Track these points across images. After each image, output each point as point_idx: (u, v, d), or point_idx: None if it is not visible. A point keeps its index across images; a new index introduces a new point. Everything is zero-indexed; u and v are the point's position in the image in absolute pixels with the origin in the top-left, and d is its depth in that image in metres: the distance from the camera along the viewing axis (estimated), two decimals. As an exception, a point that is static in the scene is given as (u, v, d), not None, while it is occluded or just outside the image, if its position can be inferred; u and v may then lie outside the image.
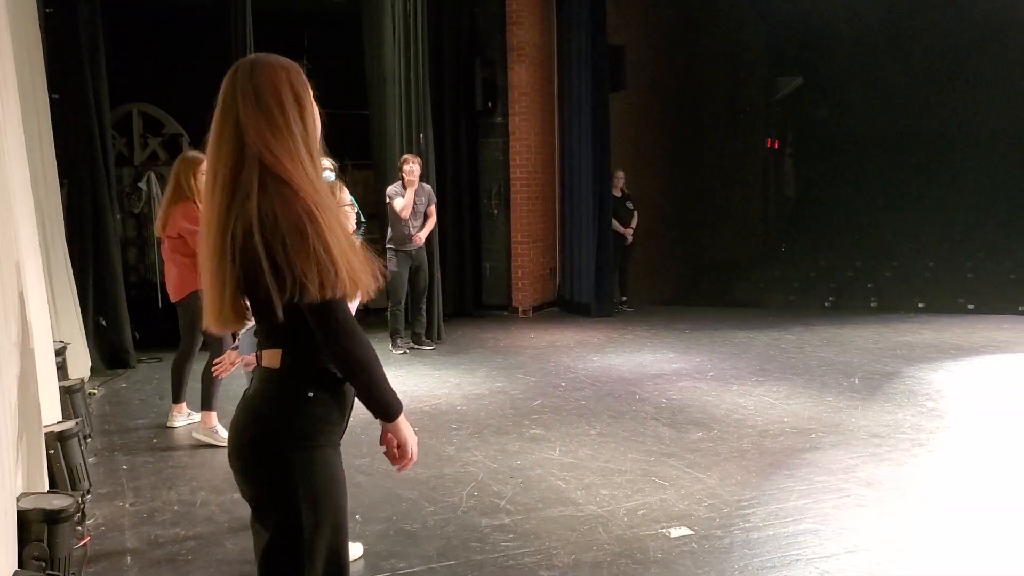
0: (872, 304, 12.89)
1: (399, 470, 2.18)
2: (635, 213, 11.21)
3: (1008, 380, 6.90)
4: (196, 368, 5.75)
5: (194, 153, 5.65)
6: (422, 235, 8.46)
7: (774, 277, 16.02)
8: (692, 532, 3.98)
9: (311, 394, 2.03)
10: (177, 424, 5.88)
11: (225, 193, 1.98)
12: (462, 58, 10.68)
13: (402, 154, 8.64)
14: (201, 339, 5.67)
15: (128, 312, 7.97)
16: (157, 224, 5.67)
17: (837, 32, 18.20)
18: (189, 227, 5.37)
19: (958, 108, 17.70)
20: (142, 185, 9.53)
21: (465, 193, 10.77)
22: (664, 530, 4.00)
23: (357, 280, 1.99)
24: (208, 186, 2.03)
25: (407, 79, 9.31)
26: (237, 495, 4.44)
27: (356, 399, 2.11)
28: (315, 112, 2.12)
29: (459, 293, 10.73)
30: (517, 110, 10.85)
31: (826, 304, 13.25)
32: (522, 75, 10.85)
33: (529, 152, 10.98)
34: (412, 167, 8.24)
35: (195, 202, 5.39)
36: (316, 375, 2.05)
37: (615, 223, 10.90)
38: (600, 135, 10.73)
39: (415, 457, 2.15)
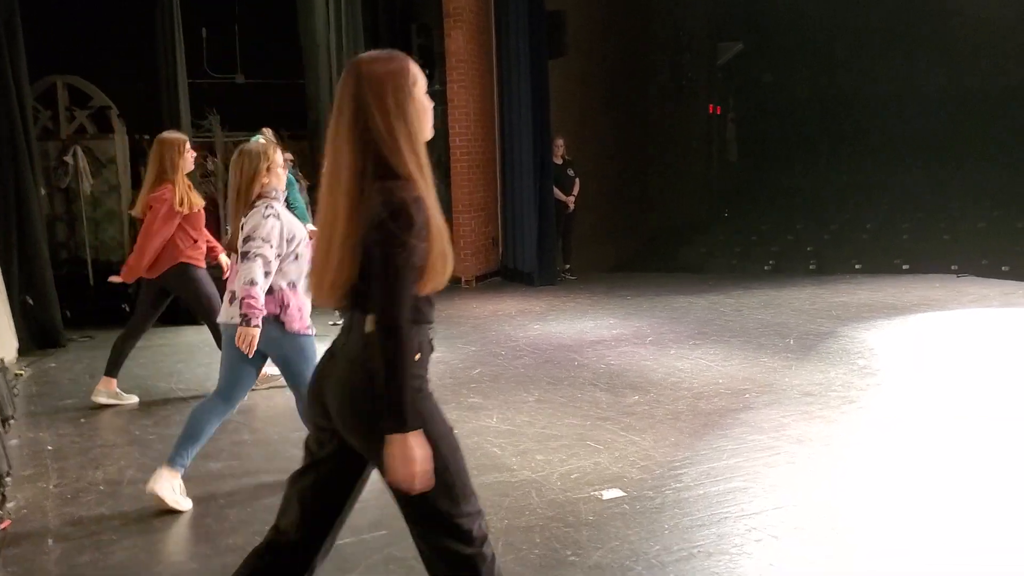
0: (811, 267, 13.08)
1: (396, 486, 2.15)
2: (576, 180, 11.18)
3: (938, 338, 7.05)
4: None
5: (173, 134, 5.65)
6: None
7: (717, 242, 16.18)
8: (624, 494, 4.01)
9: (417, 356, 2.15)
10: (101, 400, 5.78)
11: (352, 182, 2.13)
12: (397, 25, 10.51)
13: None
14: (211, 300, 5.65)
15: (58, 290, 7.75)
16: (138, 207, 5.63)
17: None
18: (154, 202, 5.42)
19: (896, 72, 17.95)
20: (68, 159, 9.23)
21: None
22: (596, 493, 4.02)
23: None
24: (332, 173, 2.17)
25: (341, 47, 9.13)
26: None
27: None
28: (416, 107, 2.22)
29: (401, 264, 10.61)
30: (455, 78, 10.72)
31: (766, 268, 13.43)
32: (459, 42, 10.71)
33: (468, 120, 10.88)
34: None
35: (173, 182, 5.44)
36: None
37: (556, 191, 10.87)
38: (540, 103, 10.66)
39: (408, 487, 2.11)
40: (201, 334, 8.12)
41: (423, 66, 9.32)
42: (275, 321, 3.95)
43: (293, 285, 4.03)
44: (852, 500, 3.85)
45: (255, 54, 10.72)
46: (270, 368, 6.13)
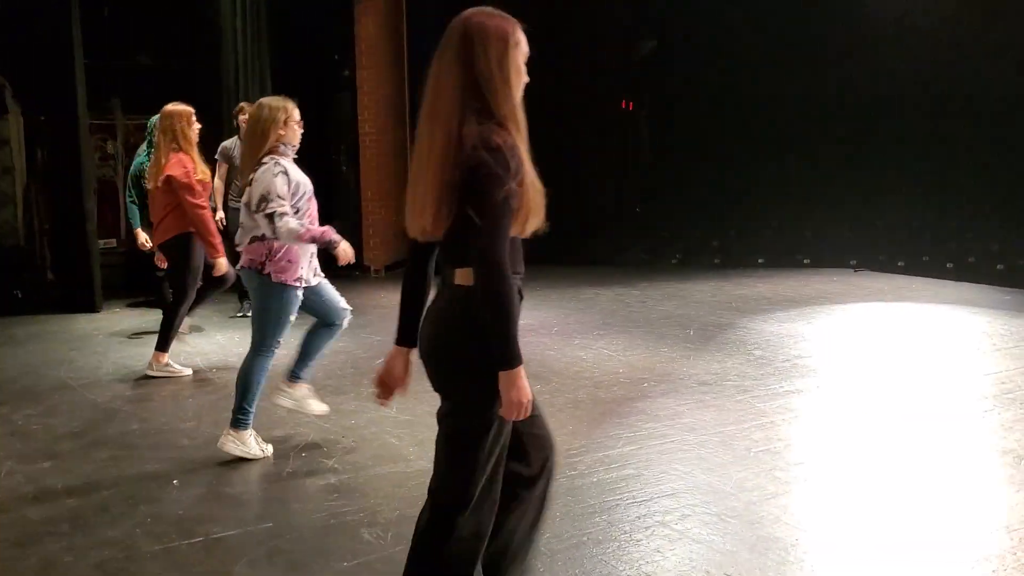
0: (716, 261, 13.37)
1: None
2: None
3: (832, 330, 7.28)
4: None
5: (179, 105, 5.74)
6: None
7: (627, 236, 16.37)
8: (519, 482, 4.01)
9: None
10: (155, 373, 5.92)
11: (452, 115, 2.19)
12: (307, 9, 10.31)
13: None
14: (195, 279, 5.89)
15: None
16: (151, 180, 5.77)
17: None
18: (180, 179, 5.55)
19: (806, 74, 18.43)
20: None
21: (313, 148, 10.43)
22: (492, 482, 4.01)
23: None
24: (432, 103, 2.24)
25: (247, 31, 8.92)
26: (47, 463, 4.23)
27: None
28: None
29: (308, 253, 10.45)
30: (365, 63, 10.56)
31: (673, 261, 13.68)
32: (370, 28, 10.56)
33: (378, 108, 10.73)
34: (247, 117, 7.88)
35: (188, 153, 5.64)
36: None
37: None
38: (452, 92, 10.59)
39: (518, 415, 2.25)
40: (94, 322, 7.86)
41: (333, 50, 9.24)
42: (259, 269, 4.15)
43: None
44: (740, 486, 3.94)
45: (162, 35, 10.38)
46: (174, 360, 6.01)
